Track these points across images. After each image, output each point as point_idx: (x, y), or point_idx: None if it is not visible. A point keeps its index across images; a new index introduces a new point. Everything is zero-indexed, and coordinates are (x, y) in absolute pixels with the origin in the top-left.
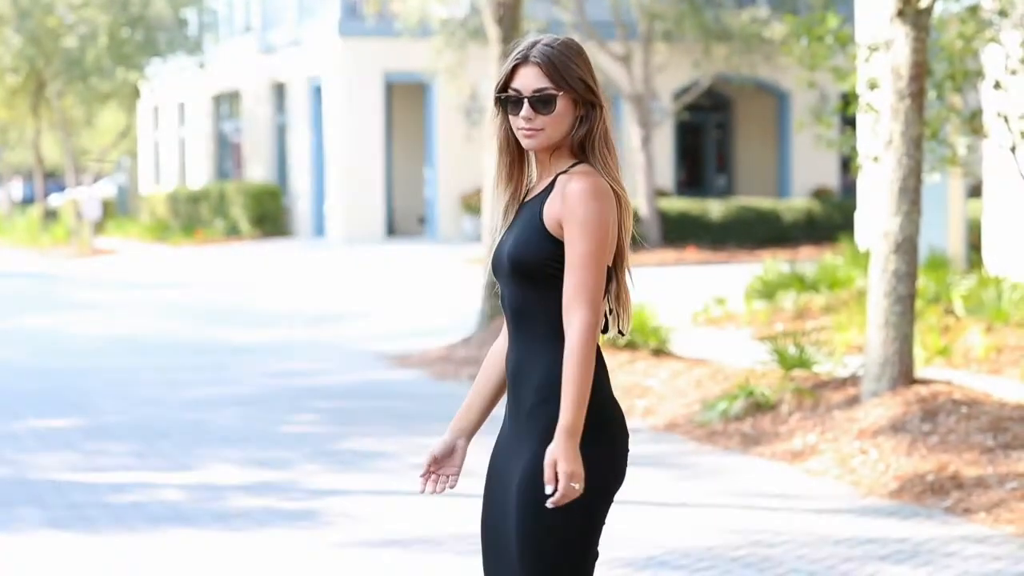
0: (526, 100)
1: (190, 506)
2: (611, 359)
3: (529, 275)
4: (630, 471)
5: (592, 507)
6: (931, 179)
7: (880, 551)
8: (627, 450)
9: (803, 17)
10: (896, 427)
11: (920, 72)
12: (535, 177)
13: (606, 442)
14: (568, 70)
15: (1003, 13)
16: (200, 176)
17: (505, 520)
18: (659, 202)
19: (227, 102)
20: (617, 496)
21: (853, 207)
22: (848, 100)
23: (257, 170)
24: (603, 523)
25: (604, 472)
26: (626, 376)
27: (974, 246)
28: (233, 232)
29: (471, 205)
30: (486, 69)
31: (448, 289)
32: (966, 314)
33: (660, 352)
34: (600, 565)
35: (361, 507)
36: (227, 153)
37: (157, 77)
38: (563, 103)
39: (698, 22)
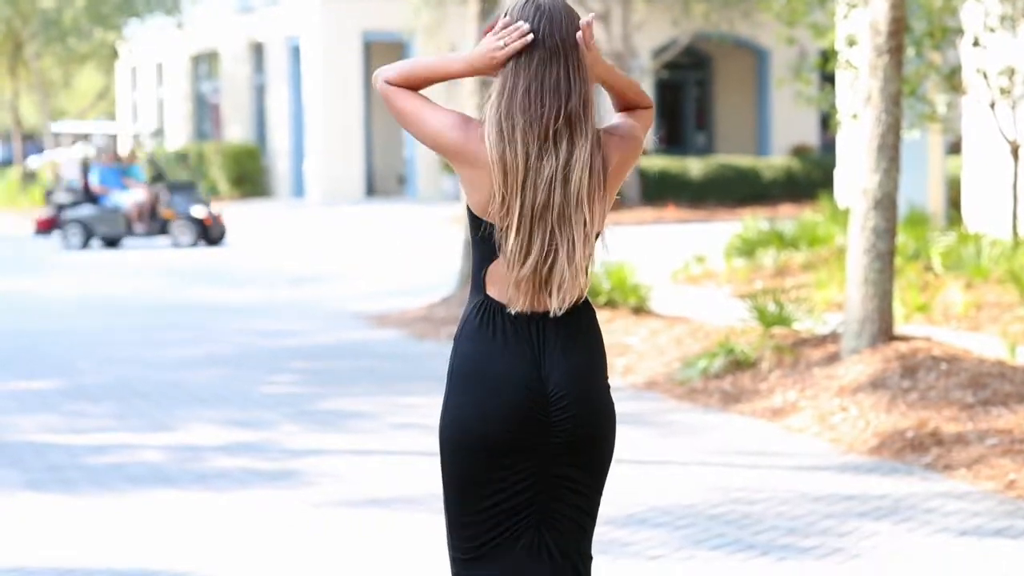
0: None
1: (170, 467)
2: None
3: None
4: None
5: (441, 454)
6: (910, 136)
7: (860, 507)
8: (474, 409)
9: None
10: (876, 384)
11: (899, 28)
12: None
13: (448, 393)
14: None
15: None
16: (179, 137)
17: None
18: (639, 161)
19: (205, 62)
20: None
21: (833, 164)
22: (827, 57)
23: (236, 130)
24: (471, 475)
25: (443, 421)
26: (606, 335)
27: (953, 203)
28: (212, 193)
29: (450, 165)
30: (464, 28)
31: (428, 249)
32: (945, 271)
33: (640, 310)
34: None
35: (341, 467)
36: (206, 114)
37: (135, 38)
38: None
39: None
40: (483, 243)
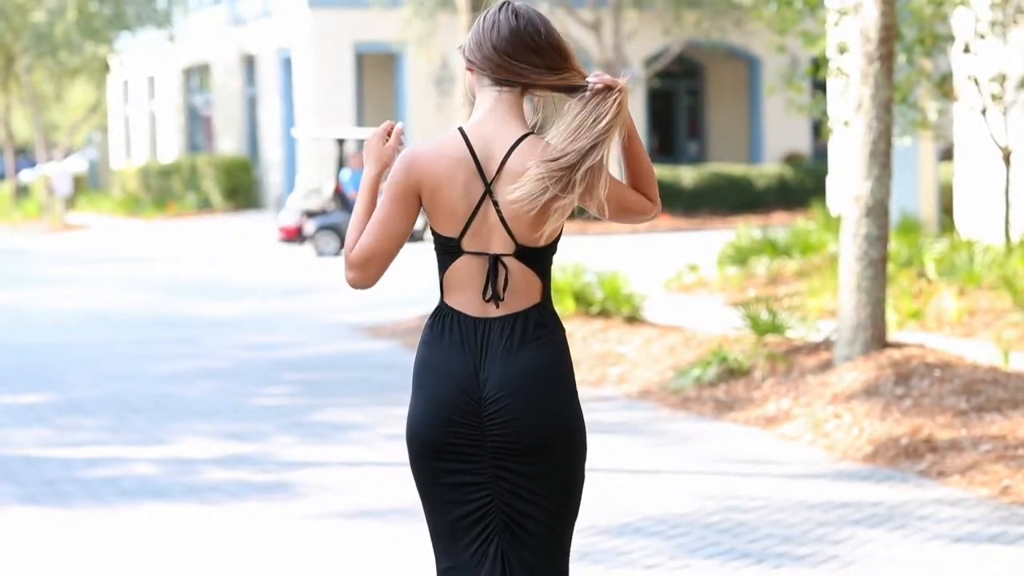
0: None
1: (164, 480)
2: (584, 327)
3: None
4: (604, 438)
5: (408, 455)
6: (902, 143)
7: (854, 515)
8: (420, 412)
9: None
10: (869, 391)
11: (889, 35)
12: None
13: (412, 398)
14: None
15: None
16: (171, 150)
17: None
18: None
19: (197, 75)
20: (591, 463)
21: (825, 172)
22: (818, 64)
23: (228, 143)
24: (424, 477)
25: (406, 423)
26: (599, 344)
27: (946, 209)
28: (205, 205)
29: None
30: (455, 38)
31: (420, 259)
32: (938, 277)
33: (633, 319)
34: (575, 533)
35: (335, 478)
36: (198, 126)
37: (126, 51)
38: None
39: None
40: (440, 253)
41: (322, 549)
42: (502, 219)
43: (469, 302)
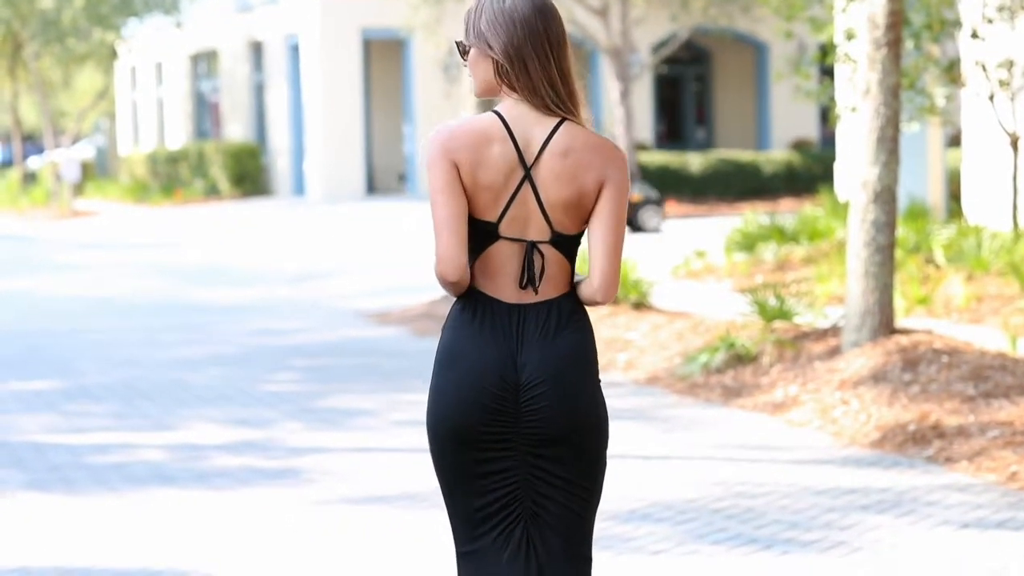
0: None
1: (172, 466)
2: (592, 313)
3: None
4: (612, 424)
5: (428, 444)
6: (910, 129)
7: (862, 501)
8: (449, 396)
9: None
10: (877, 377)
11: (897, 21)
12: None
13: (431, 381)
14: (470, 21)
15: None
16: (179, 136)
17: None
18: (639, 155)
19: (205, 61)
20: None
21: (833, 158)
22: (826, 50)
23: (236, 129)
24: (451, 464)
25: (426, 410)
26: (607, 330)
27: (954, 195)
28: (213, 192)
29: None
30: (462, 25)
31: (428, 245)
32: (946, 263)
33: (641, 305)
34: None
35: (343, 464)
36: (205, 113)
37: (134, 37)
38: (473, 53)
39: None
40: (475, 237)
41: (330, 535)
42: (541, 205)
43: (503, 288)
